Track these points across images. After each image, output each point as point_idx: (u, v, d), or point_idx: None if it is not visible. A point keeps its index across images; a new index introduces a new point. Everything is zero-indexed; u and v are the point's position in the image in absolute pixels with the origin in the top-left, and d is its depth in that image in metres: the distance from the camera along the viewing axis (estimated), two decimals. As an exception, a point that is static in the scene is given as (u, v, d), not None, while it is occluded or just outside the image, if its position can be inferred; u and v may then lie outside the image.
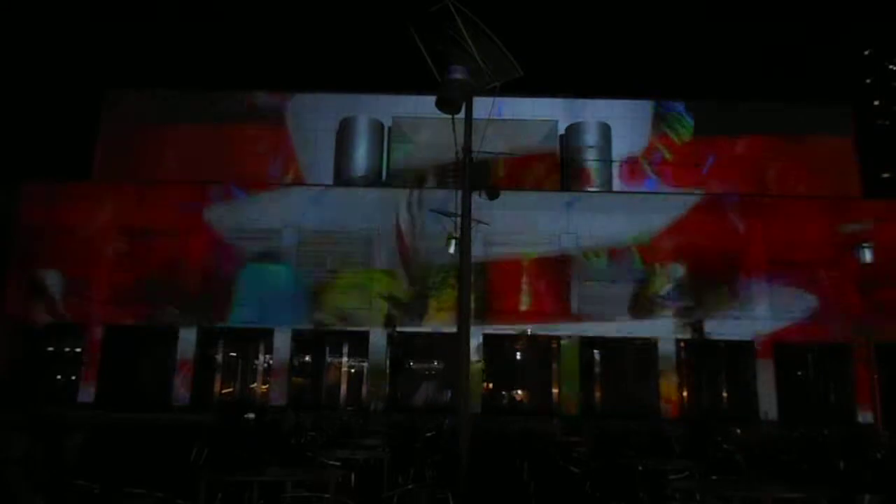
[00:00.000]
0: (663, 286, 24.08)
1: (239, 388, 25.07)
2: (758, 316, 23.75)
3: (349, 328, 23.98)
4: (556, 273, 24.16)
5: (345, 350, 24.88)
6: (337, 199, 25.36)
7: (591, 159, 28.19)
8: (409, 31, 6.09)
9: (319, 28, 75.02)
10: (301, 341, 24.38)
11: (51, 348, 24.56)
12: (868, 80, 58.78)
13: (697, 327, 22.35)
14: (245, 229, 24.48)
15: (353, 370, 24.91)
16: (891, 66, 58.67)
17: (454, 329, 9.32)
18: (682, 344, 23.97)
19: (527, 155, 27.35)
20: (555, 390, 23.93)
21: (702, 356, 24.40)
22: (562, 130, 29.31)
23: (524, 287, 24.14)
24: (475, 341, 22.76)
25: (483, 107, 9.03)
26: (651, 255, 24.27)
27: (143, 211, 24.76)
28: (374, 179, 28.07)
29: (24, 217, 24.74)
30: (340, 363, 24.97)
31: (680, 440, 12.45)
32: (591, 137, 28.63)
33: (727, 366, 24.48)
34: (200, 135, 29.36)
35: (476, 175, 9.45)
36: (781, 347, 23.62)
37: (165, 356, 23.71)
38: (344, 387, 24.69)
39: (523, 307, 23.95)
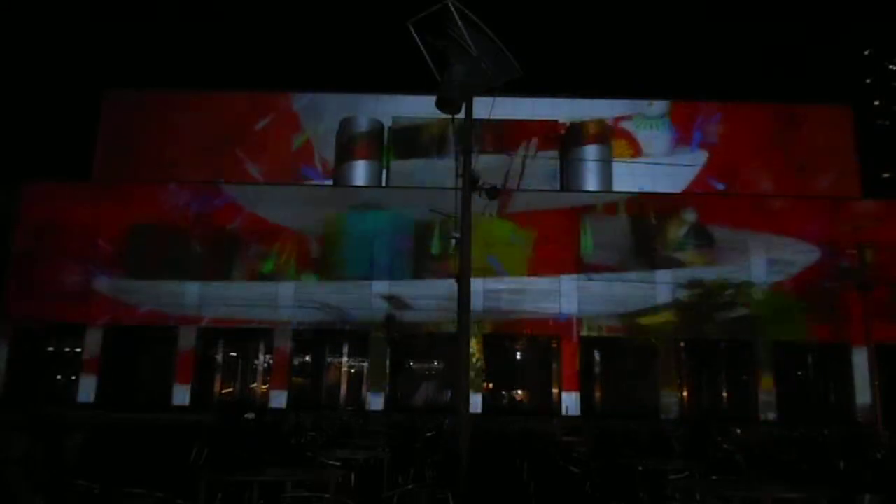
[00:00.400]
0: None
1: (239, 388, 25.07)
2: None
3: (348, 328, 24.02)
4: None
5: (345, 350, 24.86)
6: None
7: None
8: (409, 31, 6.09)
9: (319, 28, 75.06)
10: (301, 341, 24.36)
11: (51, 348, 24.56)
12: (868, 80, 58.76)
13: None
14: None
15: (353, 370, 24.89)
16: (891, 66, 58.60)
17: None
18: (681, 344, 24.00)
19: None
20: (555, 390, 23.94)
21: (702, 356, 24.42)
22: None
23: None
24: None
25: (483, 107, 9.02)
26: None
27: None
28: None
29: (24, 217, 24.74)
30: (340, 363, 24.95)
31: (680, 440, 12.44)
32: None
33: (727, 366, 24.51)
34: (200, 134, 29.37)
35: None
36: (781, 347, 23.62)
37: (165, 356, 23.71)
38: (344, 387, 24.69)
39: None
